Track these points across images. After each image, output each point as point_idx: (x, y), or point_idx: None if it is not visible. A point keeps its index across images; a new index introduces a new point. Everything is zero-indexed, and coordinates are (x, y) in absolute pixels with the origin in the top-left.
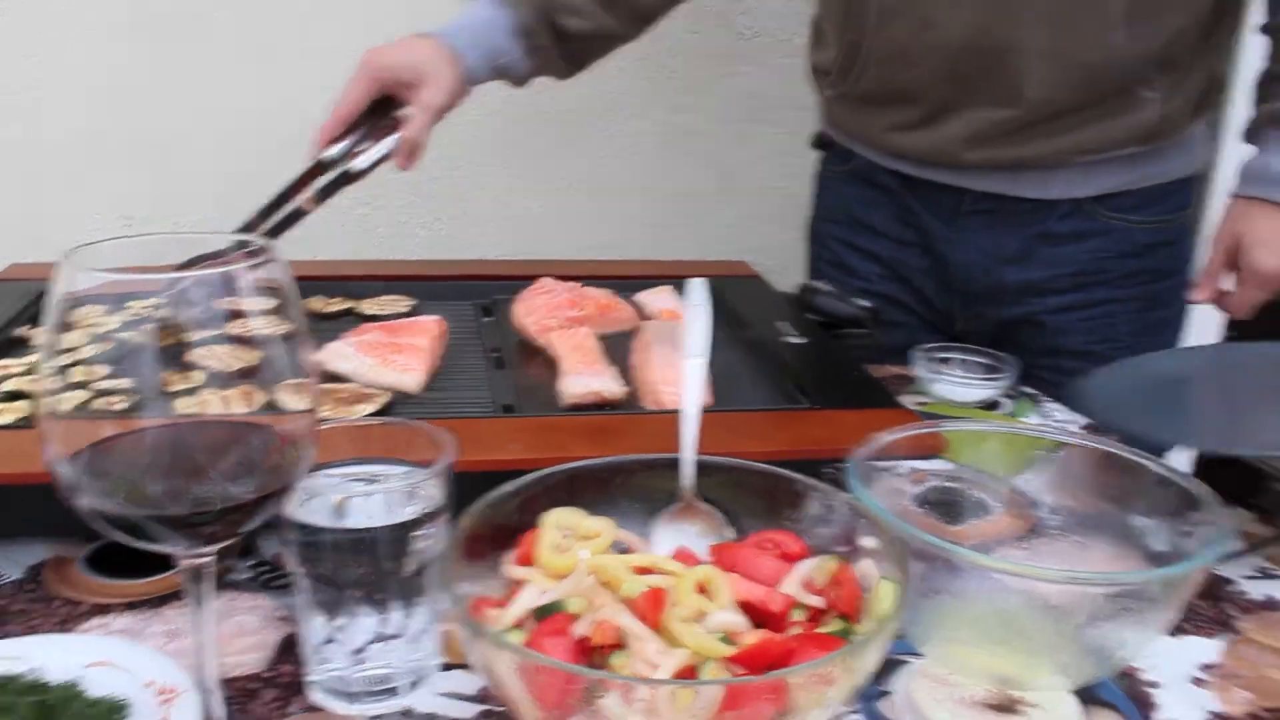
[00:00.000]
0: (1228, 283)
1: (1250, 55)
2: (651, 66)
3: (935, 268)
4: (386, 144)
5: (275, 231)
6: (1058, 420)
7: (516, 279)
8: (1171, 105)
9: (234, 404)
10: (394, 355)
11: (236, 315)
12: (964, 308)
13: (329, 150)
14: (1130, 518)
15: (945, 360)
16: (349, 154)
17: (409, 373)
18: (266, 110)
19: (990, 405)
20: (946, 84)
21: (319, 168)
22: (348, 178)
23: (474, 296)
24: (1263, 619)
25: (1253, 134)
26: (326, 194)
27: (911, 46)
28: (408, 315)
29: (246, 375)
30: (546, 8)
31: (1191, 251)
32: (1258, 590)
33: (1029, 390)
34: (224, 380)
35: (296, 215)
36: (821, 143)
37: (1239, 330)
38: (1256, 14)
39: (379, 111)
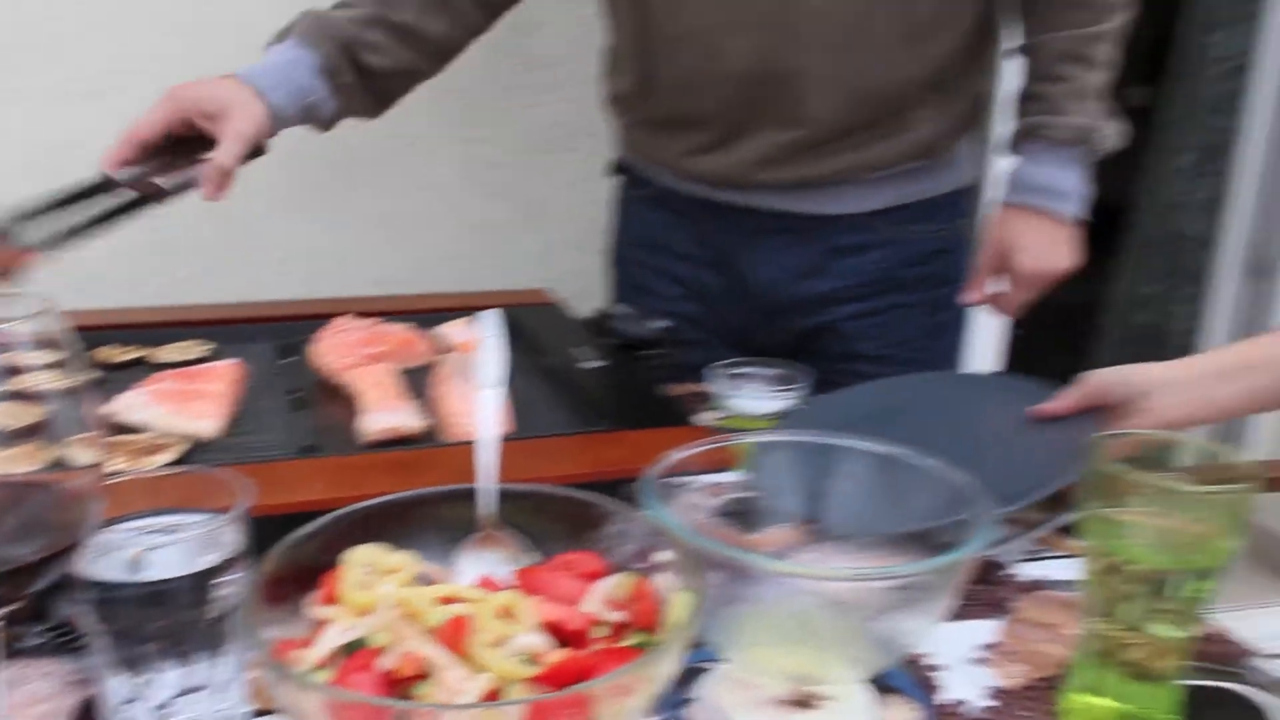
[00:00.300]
0: (999, 285)
1: (1009, 76)
2: (447, 98)
3: (734, 285)
4: (193, 171)
5: (51, 241)
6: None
7: (315, 318)
8: (942, 124)
9: (18, 463)
10: (189, 402)
11: (15, 372)
12: (764, 322)
13: (120, 172)
14: (909, 514)
15: (740, 376)
16: (141, 179)
17: (205, 419)
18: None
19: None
20: (735, 109)
21: (107, 184)
22: (146, 200)
23: (272, 338)
24: (1034, 598)
25: (1016, 146)
26: (120, 214)
27: (701, 73)
28: (204, 361)
29: (31, 433)
30: (348, 46)
31: (968, 258)
32: (1029, 572)
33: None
34: (5, 439)
35: (75, 231)
36: (619, 169)
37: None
38: (1013, 38)
39: (179, 150)
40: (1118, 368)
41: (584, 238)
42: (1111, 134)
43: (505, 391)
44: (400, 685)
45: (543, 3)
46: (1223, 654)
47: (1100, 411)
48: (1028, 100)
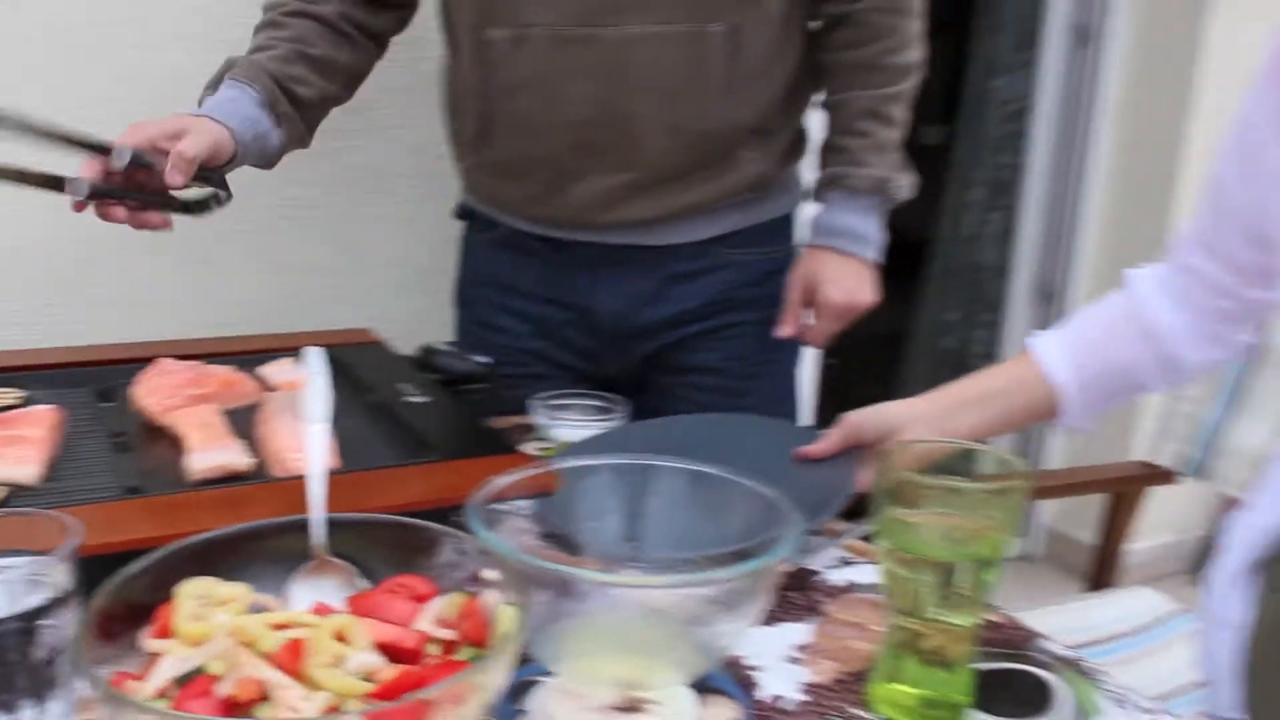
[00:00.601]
0: (808, 318)
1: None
2: None
3: (580, 319)
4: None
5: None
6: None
7: (135, 362)
8: (767, 162)
9: None
10: (6, 448)
11: None
12: (610, 350)
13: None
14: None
15: (562, 406)
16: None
17: (24, 465)
18: None
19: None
20: (571, 154)
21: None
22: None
23: (89, 383)
24: (844, 600)
25: (818, 194)
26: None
27: (538, 119)
28: (19, 407)
29: None
30: (278, 80)
31: None
32: (839, 577)
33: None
34: None
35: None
36: (463, 213)
37: (835, 357)
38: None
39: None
40: (871, 407)
41: (404, 278)
42: (905, 185)
43: (331, 426)
44: (239, 709)
45: None
46: (1011, 639)
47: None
48: (829, 152)
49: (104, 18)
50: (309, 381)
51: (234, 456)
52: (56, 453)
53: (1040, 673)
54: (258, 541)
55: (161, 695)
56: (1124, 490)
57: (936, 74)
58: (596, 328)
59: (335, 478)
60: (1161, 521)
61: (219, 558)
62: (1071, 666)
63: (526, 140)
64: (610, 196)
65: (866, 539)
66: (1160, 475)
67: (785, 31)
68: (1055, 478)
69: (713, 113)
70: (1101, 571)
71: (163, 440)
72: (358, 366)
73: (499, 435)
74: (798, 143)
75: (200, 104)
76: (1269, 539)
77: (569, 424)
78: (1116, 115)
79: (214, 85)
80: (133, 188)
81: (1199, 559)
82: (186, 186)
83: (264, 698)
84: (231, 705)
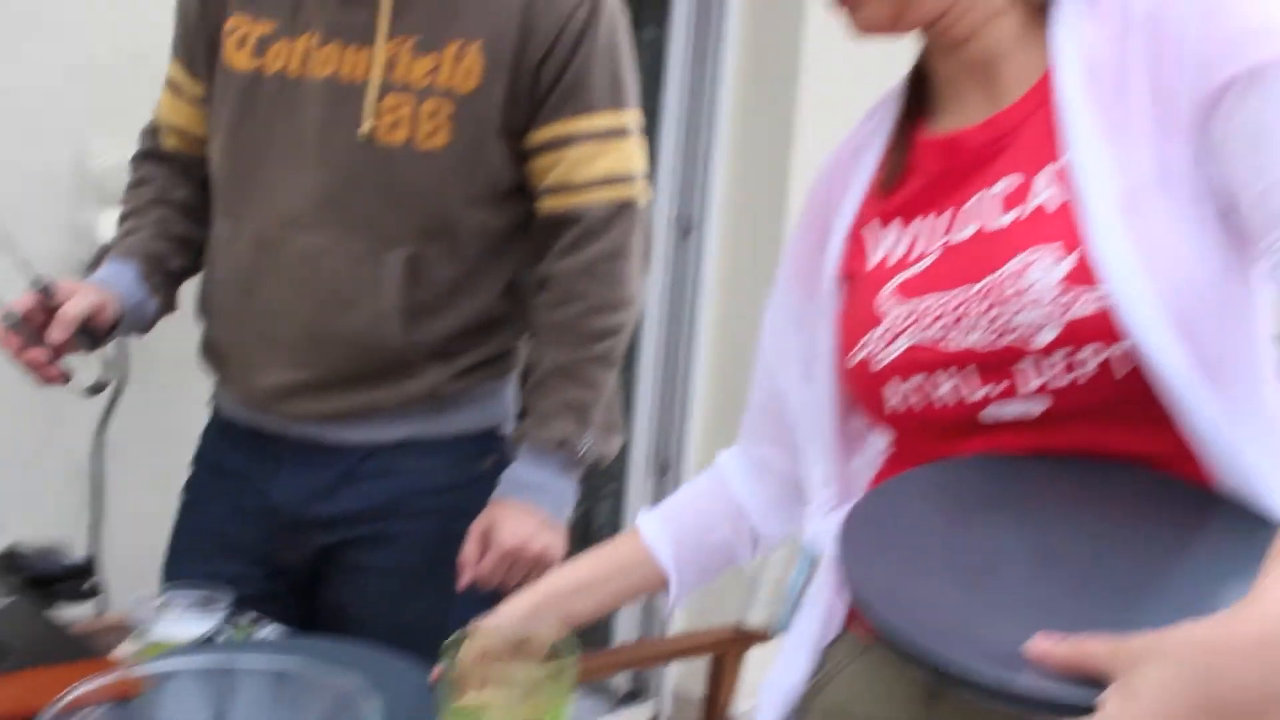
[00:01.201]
0: (485, 564)
1: None
2: None
3: (263, 504)
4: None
5: None
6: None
7: None
8: (440, 378)
9: None
10: None
11: None
12: (287, 538)
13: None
14: None
15: (162, 603)
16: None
17: None
18: None
19: (213, 636)
20: (260, 344)
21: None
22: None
23: None
24: None
25: (511, 447)
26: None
27: (237, 308)
28: None
29: None
30: (149, 256)
31: (487, 497)
32: None
33: (246, 619)
34: None
35: None
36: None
37: None
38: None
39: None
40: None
41: None
42: (596, 445)
43: None
44: None
45: None
46: None
47: None
48: (524, 410)
49: None
50: None
51: None
52: None
53: None
54: None
55: None
56: (722, 652)
57: None
58: (275, 515)
59: None
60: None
61: None
62: None
63: (227, 327)
64: (289, 390)
65: None
66: (753, 636)
67: (480, 269)
68: (665, 645)
69: (387, 330)
70: None
71: None
72: None
73: (81, 641)
74: (488, 364)
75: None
76: (788, 699)
77: (170, 621)
78: (717, 298)
79: (94, 265)
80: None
81: None
82: (66, 344)
83: None
84: None
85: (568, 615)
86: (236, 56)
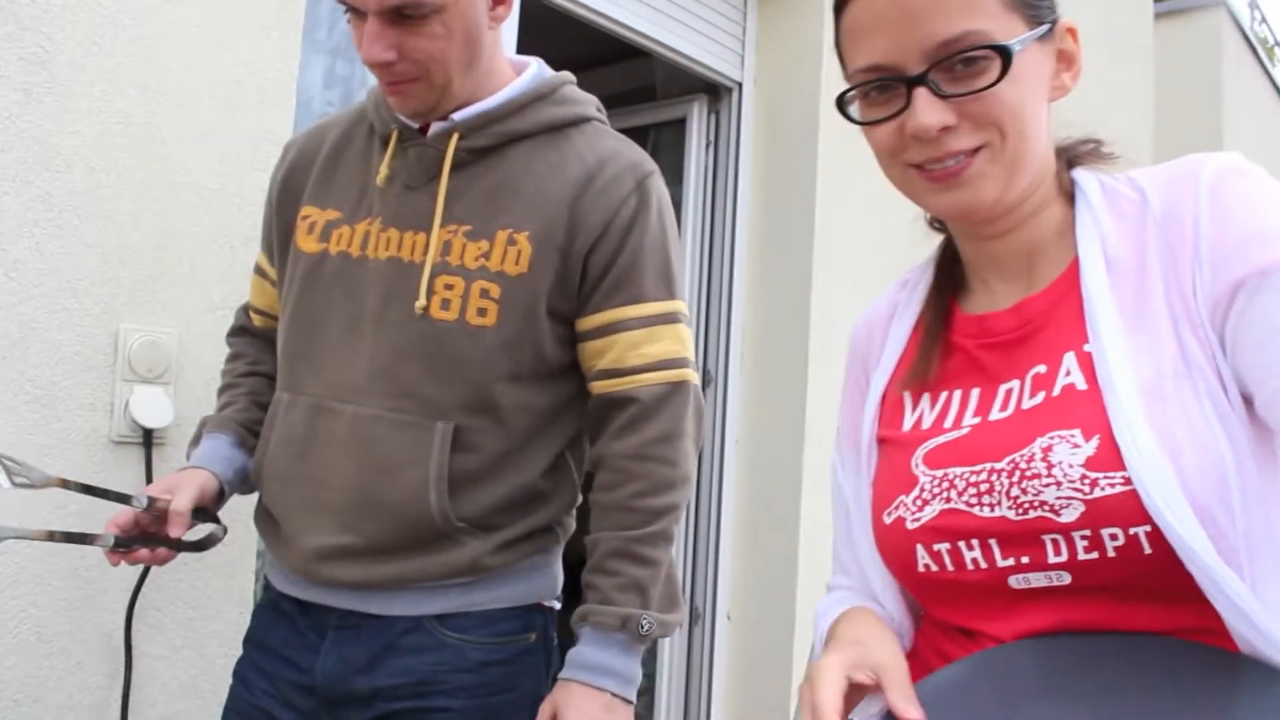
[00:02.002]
0: None
1: None
2: None
3: (304, 679)
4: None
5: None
6: None
7: None
8: (483, 550)
9: None
10: None
11: None
12: (327, 713)
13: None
14: None
15: None
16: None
17: None
18: None
19: None
20: (305, 509)
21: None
22: (137, 539)
23: None
24: None
25: (573, 628)
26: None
27: (289, 473)
28: None
29: None
30: (243, 426)
31: (534, 672)
32: None
33: None
34: None
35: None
36: (264, 575)
37: None
38: None
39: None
40: (855, 651)
41: (21, 641)
42: (659, 621)
43: None
44: None
45: None
46: None
47: None
48: (585, 589)
49: None
50: None
51: None
52: None
53: None
54: None
55: None
56: None
57: None
58: (314, 690)
59: None
60: None
61: None
62: None
63: (278, 490)
64: (333, 553)
65: None
66: None
67: (525, 444)
68: None
69: (431, 499)
70: None
71: None
72: None
73: None
74: (532, 538)
75: (188, 457)
76: None
77: None
78: (741, 449)
79: (195, 442)
80: (149, 534)
81: None
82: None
83: None
84: None
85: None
86: (306, 241)
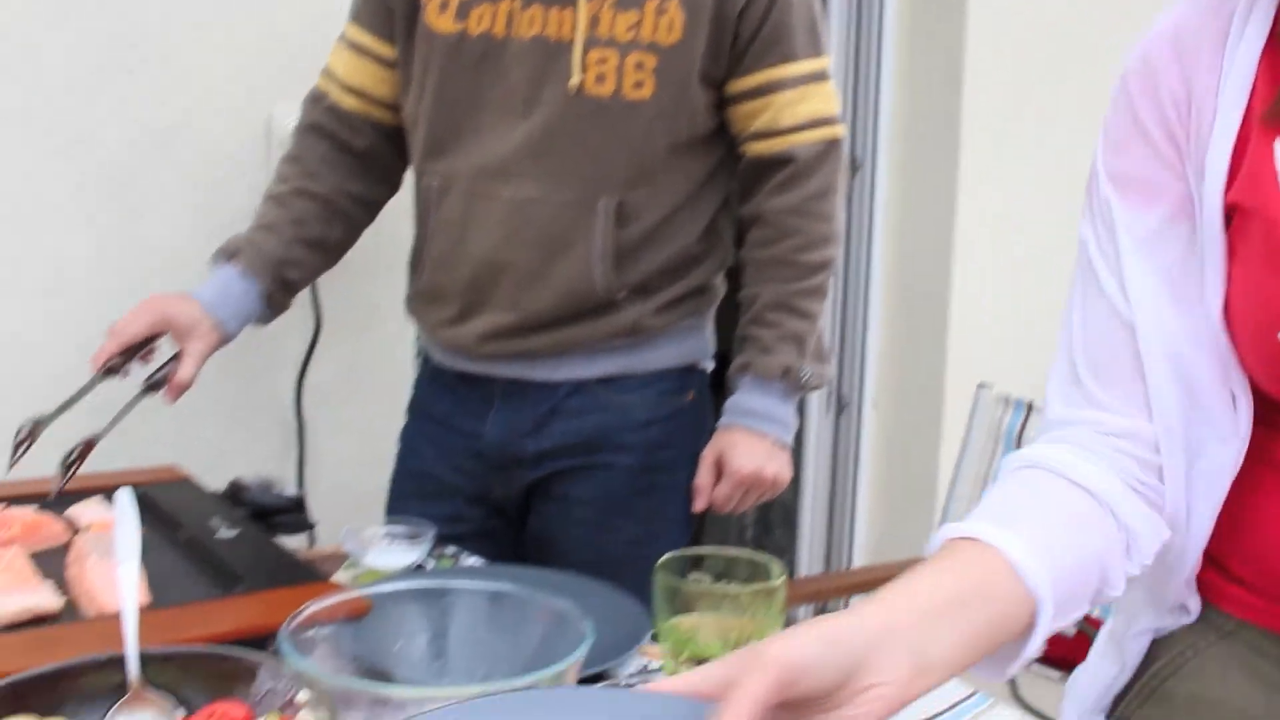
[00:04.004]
0: (721, 490)
1: None
2: (56, 289)
3: (472, 446)
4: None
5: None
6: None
7: None
8: (642, 313)
9: None
10: None
11: None
12: (496, 476)
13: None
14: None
15: (372, 535)
16: (119, 371)
17: None
18: None
19: (419, 567)
20: (469, 290)
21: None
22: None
23: None
24: None
25: (732, 381)
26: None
27: (450, 256)
28: None
29: None
30: (278, 269)
31: (692, 430)
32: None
33: (450, 550)
34: None
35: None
36: (419, 349)
37: None
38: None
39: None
40: (808, 635)
41: (203, 413)
42: (815, 373)
43: (141, 564)
44: None
45: (157, 192)
46: None
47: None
48: (742, 342)
49: None
50: (118, 522)
51: (42, 598)
52: None
53: None
54: (73, 679)
55: None
56: None
57: None
58: (483, 455)
59: (148, 613)
60: None
61: (34, 697)
62: None
63: (439, 274)
64: (498, 333)
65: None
66: None
67: (682, 211)
68: (850, 577)
69: (595, 273)
70: None
71: None
72: (166, 503)
73: (307, 565)
74: (688, 299)
75: (214, 260)
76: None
77: (379, 551)
78: (890, 233)
79: (230, 255)
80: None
81: None
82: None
83: None
84: None
85: (921, 652)
86: (439, 20)
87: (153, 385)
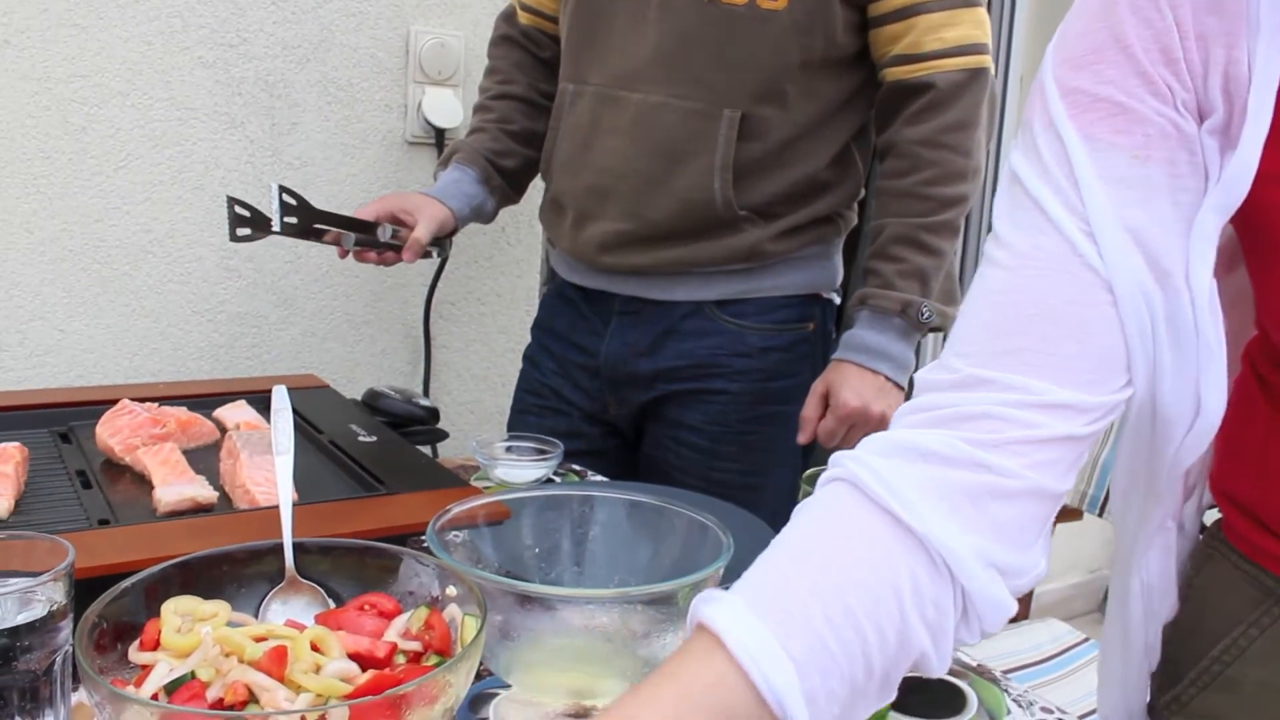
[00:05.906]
0: (826, 424)
1: None
2: (206, 196)
3: (589, 363)
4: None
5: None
6: (594, 484)
7: (89, 404)
8: (763, 237)
9: None
10: None
11: None
12: (611, 394)
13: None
14: (664, 549)
15: (502, 448)
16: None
17: None
18: None
19: (547, 481)
20: (590, 196)
21: (349, 222)
22: (376, 242)
23: (48, 424)
24: None
25: (850, 313)
26: (357, 243)
27: (575, 161)
28: None
29: None
30: (491, 159)
31: (810, 360)
32: None
33: (576, 467)
34: None
35: (319, 233)
36: (548, 265)
37: None
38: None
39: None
40: None
41: (338, 329)
42: (936, 311)
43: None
44: (228, 711)
45: (302, 104)
46: None
47: None
48: (864, 274)
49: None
50: (276, 415)
51: (200, 489)
52: (21, 489)
53: (952, 679)
54: (233, 564)
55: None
56: None
57: None
58: (599, 372)
59: (297, 508)
60: (1071, 562)
61: (199, 579)
62: (980, 674)
63: (564, 179)
64: (616, 240)
65: None
66: (1063, 513)
67: (811, 133)
68: None
69: (716, 186)
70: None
71: (125, 477)
72: (307, 409)
73: (444, 470)
74: (812, 227)
75: (435, 177)
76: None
77: (508, 464)
78: None
79: (445, 163)
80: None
81: (1105, 597)
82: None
83: (250, 699)
84: (221, 707)
85: None
86: None
87: (389, 246)
